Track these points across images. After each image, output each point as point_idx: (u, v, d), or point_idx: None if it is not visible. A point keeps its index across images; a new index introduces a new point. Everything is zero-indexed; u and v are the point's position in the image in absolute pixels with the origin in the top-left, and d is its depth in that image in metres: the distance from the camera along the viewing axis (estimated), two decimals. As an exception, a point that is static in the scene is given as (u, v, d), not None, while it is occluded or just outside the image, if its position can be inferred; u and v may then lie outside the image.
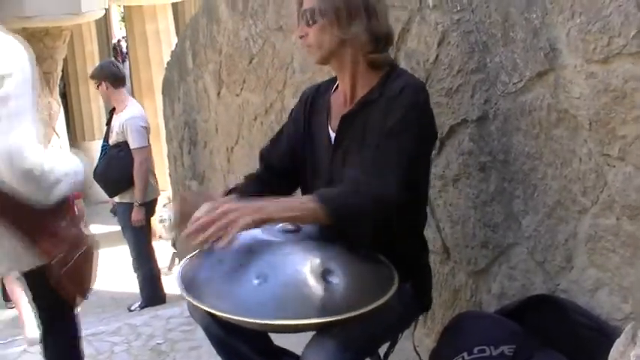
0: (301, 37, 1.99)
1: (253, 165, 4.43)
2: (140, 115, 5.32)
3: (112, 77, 5.28)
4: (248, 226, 1.72)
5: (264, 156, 2.25)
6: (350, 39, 1.92)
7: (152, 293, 5.83)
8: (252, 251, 1.82)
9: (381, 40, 1.94)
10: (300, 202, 1.85)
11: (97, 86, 5.41)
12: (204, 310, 1.78)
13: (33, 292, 2.47)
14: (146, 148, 5.25)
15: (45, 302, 2.49)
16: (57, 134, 12.77)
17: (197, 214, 1.77)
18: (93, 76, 5.46)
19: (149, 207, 5.47)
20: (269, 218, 1.75)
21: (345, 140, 1.98)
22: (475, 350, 1.82)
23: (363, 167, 1.85)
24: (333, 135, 2.02)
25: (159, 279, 5.90)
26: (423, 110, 1.92)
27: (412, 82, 1.95)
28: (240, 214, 1.71)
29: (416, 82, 1.96)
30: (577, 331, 1.79)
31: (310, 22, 1.94)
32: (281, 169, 2.16)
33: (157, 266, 5.89)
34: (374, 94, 1.95)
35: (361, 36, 1.92)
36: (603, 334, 1.72)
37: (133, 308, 6.01)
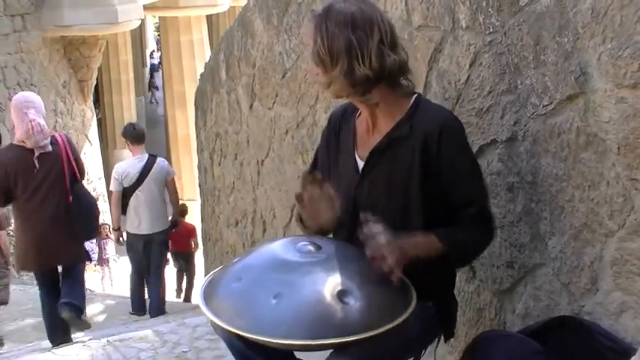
0: (316, 74, 2.02)
1: (282, 179, 4.49)
2: (119, 168, 6.61)
3: (130, 137, 6.68)
4: (394, 266, 1.82)
5: None
6: (333, 82, 1.95)
7: (133, 303, 7.15)
8: (271, 270, 1.85)
9: (360, 83, 1.92)
10: (429, 242, 1.93)
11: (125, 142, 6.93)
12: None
13: None
14: (113, 192, 6.61)
15: None
16: (89, 141, 12.95)
17: (376, 244, 1.84)
18: (122, 135, 6.98)
19: (129, 236, 6.73)
20: (413, 257, 1.88)
21: (372, 173, 2.03)
22: (498, 369, 1.83)
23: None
24: (360, 163, 2.06)
25: (137, 291, 7.11)
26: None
27: (448, 115, 2.01)
28: (398, 256, 1.83)
29: (451, 115, 2.03)
30: (601, 354, 1.79)
31: (315, 64, 1.97)
32: None
33: (141, 284, 7.06)
34: (403, 128, 1.98)
35: (337, 80, 1.93)
36: (628, 358, 1.72)
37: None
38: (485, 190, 2.06)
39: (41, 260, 4.83)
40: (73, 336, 5.04)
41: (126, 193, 6.42)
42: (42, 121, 4.69)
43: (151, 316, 6.81)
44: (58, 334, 4.97)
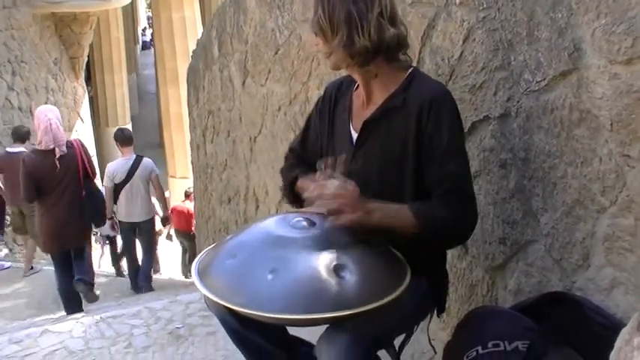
0: (316, 45, 2.04)
1: (275, 155, 4.49)
2: (110, 167, 7.56)
3: (120, 140, 7.65)
4: (351, 223, 1.83)
5: (296, 150, 2.31)
6: (333, 52, 1.97)
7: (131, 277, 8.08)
8: (266, 246, 1.85)
9: (359, 54, 1.94)
10: (399, 211, 1.90)
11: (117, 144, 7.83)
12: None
13: None
14: (106, 188, 7.49)
15: None
16: (81, 119, 12.90)
17: (328, 187, 1.87)
18: (114, 138, 7.91)
19: (121, 223, 7.67)
20: (372, 224, 1.86)
21: (367, 144, 2.04)
22: (489, 344, 1.84)
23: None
24: (354, 135, 2.07)
25: (132, 266, 8.02)
26: (459, 115, 1.99)
27: (441, 88, 2.00)
28: (352, 209, 1.83)
29: (444, 89, 2.01)
30: (592, 330, 1.80)
31: (315, 34, 2.00)
32: (312, 163, 2.21)
33: (134, 262, 8.00)
34: (396, 99, 1.98)
35: (337, 51, 1.95)
36: (618, 333, 1.73)
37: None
38: (464, 170, 1.98)
39: (59, 243, 5.90)
40: (85, 308, 6.00)
41: (117, 188, 7.46)
42: (59, 123, 5.67)
43: (139, 285, 7.78)
44: (74, 306, 6.00)
